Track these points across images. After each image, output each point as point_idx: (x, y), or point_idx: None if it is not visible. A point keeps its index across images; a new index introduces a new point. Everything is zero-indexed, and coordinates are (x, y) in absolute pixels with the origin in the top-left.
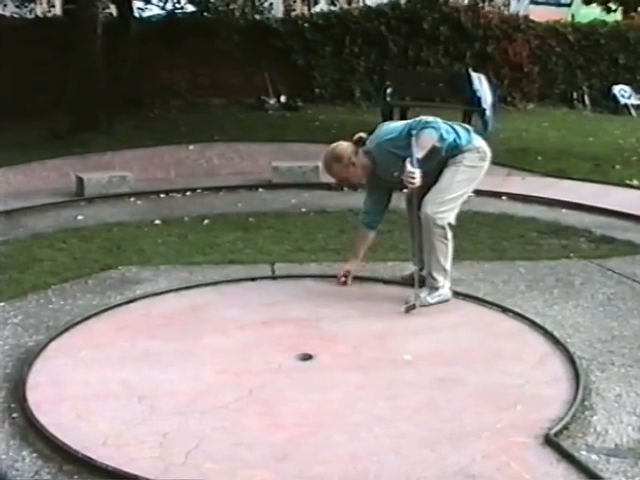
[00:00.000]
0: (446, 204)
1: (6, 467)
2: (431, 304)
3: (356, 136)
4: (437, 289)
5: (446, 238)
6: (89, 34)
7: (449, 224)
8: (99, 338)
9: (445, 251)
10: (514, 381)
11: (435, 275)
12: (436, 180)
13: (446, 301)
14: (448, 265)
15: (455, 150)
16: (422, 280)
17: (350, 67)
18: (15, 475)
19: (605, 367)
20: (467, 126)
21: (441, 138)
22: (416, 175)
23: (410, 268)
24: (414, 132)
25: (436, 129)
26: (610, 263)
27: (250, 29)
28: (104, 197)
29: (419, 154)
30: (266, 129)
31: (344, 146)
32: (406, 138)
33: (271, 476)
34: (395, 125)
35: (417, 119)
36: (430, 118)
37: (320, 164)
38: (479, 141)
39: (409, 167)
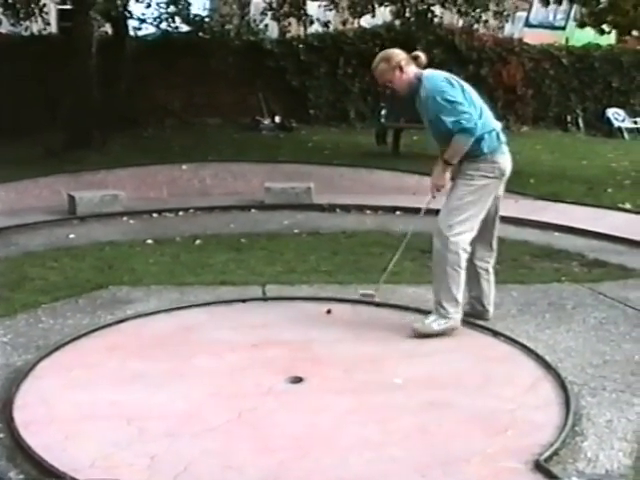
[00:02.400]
0: (458, 226)
1: None
2: (435, 331)
3: (414, 53)
4: (445, 318)
5: (460, 266)
6: (84, 52)
7: (464, 250)
8: (89, 358)
9: (457, 280)
10: (505, 406)
11: (445, 305)
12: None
13: (453, 329)
14: (460, 295)
15: (473, 150)
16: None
17: (344, 88)
18: None
19: (596, 392)
20: (502, 136)
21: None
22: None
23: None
24: (454, 129)
25: (471, 131)
26: (602, 287)
27: (245, 50)
28: (96, 216)
29: (451, 158)
30: (260, 149)
31: (398, 51)
32: (439, 109)
33: None
34: (448, 88)
35: (456, 107)
36: (465, 108)
37: (312, 185)
38: (501, 157)
39: (448, 176)
